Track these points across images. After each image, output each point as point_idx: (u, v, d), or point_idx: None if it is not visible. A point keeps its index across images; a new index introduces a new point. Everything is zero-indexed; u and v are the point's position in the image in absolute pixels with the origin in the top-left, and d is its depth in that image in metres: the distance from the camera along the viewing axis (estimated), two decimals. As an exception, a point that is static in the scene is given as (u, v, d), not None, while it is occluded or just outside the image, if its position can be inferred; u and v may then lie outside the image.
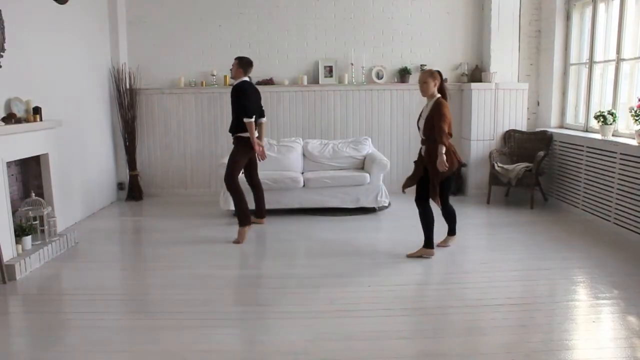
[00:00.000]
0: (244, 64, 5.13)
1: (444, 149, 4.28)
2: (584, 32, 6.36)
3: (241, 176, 5.37)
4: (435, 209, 4.52)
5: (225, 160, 5.38)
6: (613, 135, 5.47)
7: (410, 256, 4.54)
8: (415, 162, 4.70)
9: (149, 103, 7.10)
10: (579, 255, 4.58)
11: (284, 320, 3.42)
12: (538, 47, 6.96)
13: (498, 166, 6.37)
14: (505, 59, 6.85)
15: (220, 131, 7.11)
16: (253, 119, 5.02)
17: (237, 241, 5.03)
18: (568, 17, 6.53)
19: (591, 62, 6.08)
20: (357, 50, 7.01)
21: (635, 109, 4.91)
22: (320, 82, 7.07)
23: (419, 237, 4.57)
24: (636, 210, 4.86)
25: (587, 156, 5.69)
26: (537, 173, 6.20)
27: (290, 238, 5.18)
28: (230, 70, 5.28)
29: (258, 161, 5.40)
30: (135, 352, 3.07)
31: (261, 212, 5.59)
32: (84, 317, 3.52)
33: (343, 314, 3.50)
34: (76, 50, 5.93)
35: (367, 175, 6.00)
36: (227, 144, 7.01)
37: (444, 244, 4.77)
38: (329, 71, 7.06)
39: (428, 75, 4.38)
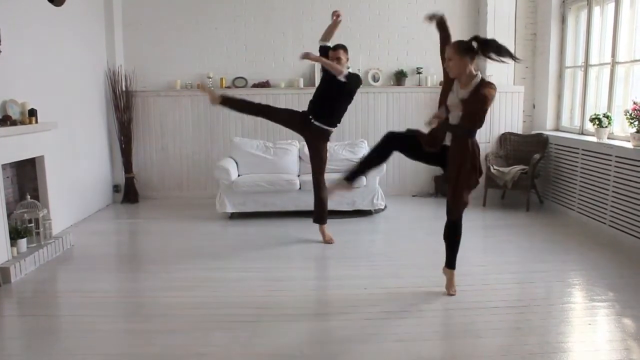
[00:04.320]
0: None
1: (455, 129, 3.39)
2: (579, 36, 6.39)
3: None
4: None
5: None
6: (608, 138, 5.49)
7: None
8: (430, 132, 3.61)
9: (145, 105, 7.09)
10: (574, 257, 4.60)
11: (281, 323, 3.41)
12: (534, 50, 6.98)
13: (494, 169, 6.39)
14: (501, 62, 6.86)
15: (217, 133, 7.11)
16: None
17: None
18: (563, 21, 6.56)
19: (586, 65, 6.11)
20: (353, 52, 6.91)
21: (630, 111, 4.94)
22: (316, 85, 7.04)
23: (416, 239, 4.57)
24: (631, 213, 4.88)
25: (582, 159, 5.71)
26: (533, 176, 6.22)
27: (286, 240, 5.17)
28: (334, 59, 4.74)
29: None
30: (131, 355, 3.05)
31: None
32: (79, 320, 3.51)
33: (340, 316, 3.50)
34: (72, 52, 5.92)
35: (363, 177, 5.99)
36: (223, 146, 7.02)
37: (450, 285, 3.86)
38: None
39: (455, 51, 3.41)
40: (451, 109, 3.53)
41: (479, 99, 3.31)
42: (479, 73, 3.48)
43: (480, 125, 3.49)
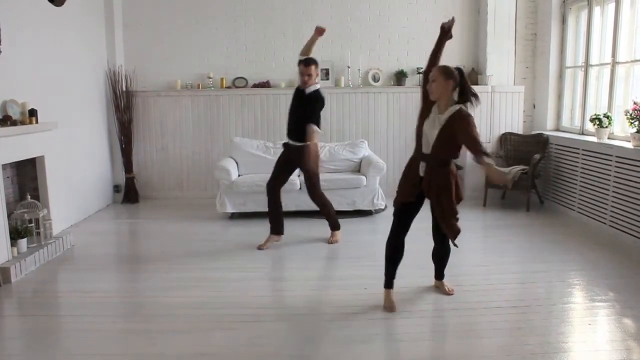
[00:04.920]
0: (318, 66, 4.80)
1: (490, 161, 3.14)
2: (579, 36, 6.39)
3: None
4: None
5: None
6: (609, 138, 5.49)
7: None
8: (405, 177, 3.63)
9: (145, 105, 7.09)
10: (574, 257, 4.59)
11: (281, 323, 3.41)
12: (534, 50, 6.98)
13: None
14: (502, 62, 6.87)
15: (217, 133, 7.11)
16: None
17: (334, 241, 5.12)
18: (564, 21, 6.56)
19: (587, 65, 6.10)
20: (354, 53, 7.02)
21: (630, 112, 4.94)
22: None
23: (416, 239, 4.55)
24: (632, 213, 4.88)
25: (582, 159, 5.71)
26: (533, 176, 6.22)
27: (287, 241, 5.16)
28: (306, 75, 4.70)
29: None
30: (131, 355, 3.05)
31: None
32: (79, 320, 3.51)
33: (340, 316, 3.49)
34: (72, 52, 5.91)
35: (364, 177, 6.01)
36: (223, 146, 7.02)
37: (445, 289, 3.89)
38: (326, 74, 7.06)
39: (440, 73, 3.41)
40: (427, 136, 3.44)
41: (467, 129, 3.25)
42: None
43: (455, 156, 3.47)
